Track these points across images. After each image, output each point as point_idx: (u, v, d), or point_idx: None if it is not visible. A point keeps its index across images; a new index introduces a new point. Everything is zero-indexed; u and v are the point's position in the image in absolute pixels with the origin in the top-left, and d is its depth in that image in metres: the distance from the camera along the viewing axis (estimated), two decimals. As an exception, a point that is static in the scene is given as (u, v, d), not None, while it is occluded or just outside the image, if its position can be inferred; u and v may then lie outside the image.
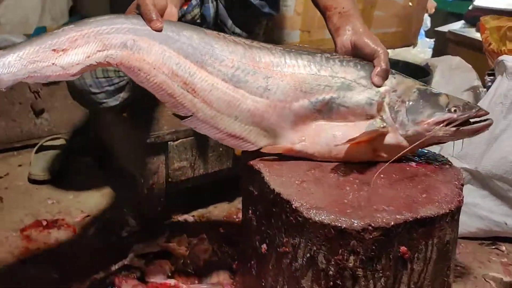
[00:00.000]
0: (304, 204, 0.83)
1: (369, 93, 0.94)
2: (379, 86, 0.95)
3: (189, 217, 1.48)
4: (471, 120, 0.93)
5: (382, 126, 0.92)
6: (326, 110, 0.94)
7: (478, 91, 1.87)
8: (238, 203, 1.56)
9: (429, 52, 2.90)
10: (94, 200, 1.58)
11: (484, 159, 1.30)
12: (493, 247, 1.42)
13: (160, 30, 0.91)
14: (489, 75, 1.48)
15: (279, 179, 0.91)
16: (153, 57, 0.91)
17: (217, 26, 1.34)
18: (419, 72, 1.95)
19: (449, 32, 2.51)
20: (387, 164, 0.91)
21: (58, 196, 1.61)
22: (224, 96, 0.94)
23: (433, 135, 0.92)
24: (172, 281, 1.14)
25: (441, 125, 0.92)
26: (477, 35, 2.33)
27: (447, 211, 0.83)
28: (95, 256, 1.31)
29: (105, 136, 1.68)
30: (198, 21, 1.42)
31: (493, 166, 1.32)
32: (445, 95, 0.96)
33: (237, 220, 1.48)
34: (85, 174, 1.73)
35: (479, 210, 1.38)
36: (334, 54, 0.99)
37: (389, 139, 0.94)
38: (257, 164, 0.96)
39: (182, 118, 0.96)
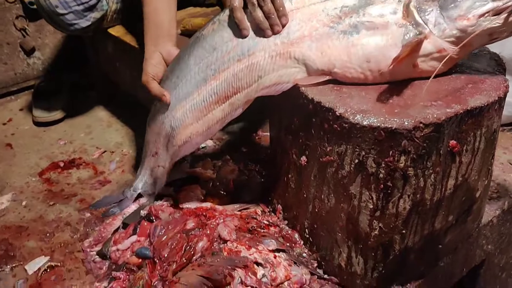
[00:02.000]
0: (349, 109, 0.79)
1: (390, 3, 0.84)
2: None
3: (208, 141, 1.45)
4: None
5: (418, 33, 0.81)
6: (351, 30, 0.85)
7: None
8: (256, 122, 1.53)
9: None
10: (108, 135, 1.54)
11: (508, 42, 1.25)
12: (516, 132, 1.43)
13: (168, 103, 1.02)
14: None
15: (315, 88, 0.87)
16: (191, 114, 1.01)
17: None
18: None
19: None
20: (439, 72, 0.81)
21: (69, 135, 1.56)
22: (245, 73, 0.93)
23: (479, 30, 0.78)
24: (207, 204, 1.13)
25: (486, 15, 0.78)
26: None
27: (496, 98, 0.81)
28: (121, 189, 1.29)
29: (109, 69, 1.59)
30: None
31: (516, 49, 1.28)
32: None
33: (257, 138, 1.45)
34: (92, 110, 1.67)
35: (501, 97, 1.36)
36: None
37: (428, 46, 0.82)
38: (287, 74, 0.91)
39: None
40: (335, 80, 0.88)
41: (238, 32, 0.92)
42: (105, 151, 1.46)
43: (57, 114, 1.60)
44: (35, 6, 1.37)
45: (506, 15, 0.77)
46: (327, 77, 0.88)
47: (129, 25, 1.44)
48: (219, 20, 0.96)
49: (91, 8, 1.27)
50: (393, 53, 0.81)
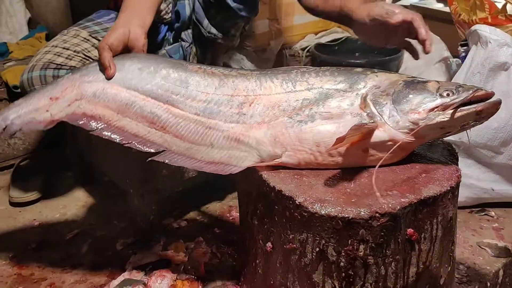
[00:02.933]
0: (308, 198, 0.82)
1: (349, 96, 0.91)
2: (429, 52, 0.98)
3: (182, 222, 1.46)
4: None
5: (370, 121, 0.87)
6: (307, 120, 0.91)
7: (449, 62, 1.90)
8: (229, 200, 1.55)
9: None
10: (83, 216, 1.54)
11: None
12: (483, 213, 1.45)
13: (111, 78, 0.97)
14: (462, 45, 1.50)
15: (277, 176, 0.90)
16: (118, 103, 0.96)
17: (193, 24, 1.32)
18: (389, 50, 1.97)
19: (411, 5, 2.53)
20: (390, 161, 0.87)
21: (44, 216, 1.55)
22: (197, 128, 0.95)
23: (429, 123, 0.84)
24: (176, 290, 1.12)
25: (435, 110, 0.85)
26: (439, 6, 2.37)
27: (448, 188, 0.84)
28: (93, 273, 1.28)
29: (86, 149, 1.63)
30: (166, 16, 1.38)
31: (477, 135, 1.34)
32: (435, 81, 0.90)
33: (231, 218, 1.47)
34: (69, 190, 1.68)
35: (467, 179, 1.40)
36: (309, 67, 0.98)
37: (380, 134, 0.87)
38: (253, 162, 0.94)
39: (153, 154, 0.96)
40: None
41: (202, 91, 0.96)
42: (78, 233, 1.46)
43: (34, 195, 1.61)
44: (19, 90, 1.41)
45: (452, 110, 0.84)
46: (278, 162, 0.92)
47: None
48: (206, 68, 0.99)
49: None
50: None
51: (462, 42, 1.50)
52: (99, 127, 0.96)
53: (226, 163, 0.93)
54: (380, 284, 0.83)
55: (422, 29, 1.00)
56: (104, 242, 1.41)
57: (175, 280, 1.19)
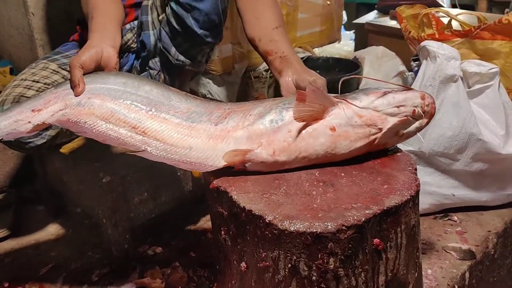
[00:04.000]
0: (277, 216, 0.85)
1: None
2: None
3: (157, 248, 1.46)
4: None
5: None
6: (278, 119, 0.98)
7: (405, 76, 2.00)
8: (203, 223, 1.57)
9: (352, 44, 3.04)
10: (56, 250, 1.52)
11: (425, 139, 1.39)
12: (446, 219, 1.51)
13: (79, 95, 1.00)
14: (414, 60, 1.58)
15: (246, 196, 0.93)
16: (104, 110, 1.00)
17: (160, 52, 1.35)
18: (350, 66, 2.05)
19: (367, 23, 2.64)
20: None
21: (15, 252, 1.53)
22: (178, 133, 0.99)
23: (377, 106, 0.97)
24: (155, 317, 1.13)
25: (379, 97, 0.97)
26: (393, 23, 2.49)
27: (409, 197, 0.89)
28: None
29: (56, 182, 1.62)
30: (133, 46, 1.41)
31: (434, 144, 1.40)
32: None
33: (206, 241, 1.48)
34: (40, 224, 1.66)
35: (429, 187, 1.46)
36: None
37: (345, 111, 0.96)
38: (222, 184, 0.97)
39: (132, 152, 0.99)
40: (265, 187, 0.95)
41: (184, 105, 1.02)
42: (52, 267, 1.44)
43: (3, 232, 1.58)
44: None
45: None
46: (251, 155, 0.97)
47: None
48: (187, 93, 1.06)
49: (47, 128, 1.30)
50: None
51: (414, 57, 1.58)
52: (83, 131, 0.99)
53: (202, 163, 0.98)
54: (352, 294, 0.87)
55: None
56: (79, 274, 1.40)
57: (153, 307, 1.19)
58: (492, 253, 1.41)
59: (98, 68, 1.07)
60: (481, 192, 1.48)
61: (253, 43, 1.30)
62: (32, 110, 1.00)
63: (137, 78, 1.06)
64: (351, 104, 0.97)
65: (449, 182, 1.47)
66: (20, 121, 1.00)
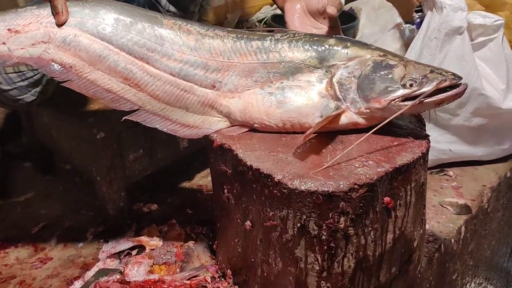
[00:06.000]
0: (287, 175, 0.83)
1: (318, 72, 0.93)
2: (334, 16, 1.01)
3: (153, 206, 1.43)
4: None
5: (336, 108, 0.90)
6: (278, 93, 0.94)
7: (402, 28, 1.94)
8: (198, 180, 1.54)
9: (345, -7, 2.95)
10: (47, 208, 1.48)
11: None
12: (442, 174, 1.51)
13: (61, 25, 0.89)
14: (417, 11, 1.52)
15: (253, 154, 0.89)
16: (91, 54, 0.91)
17: (150, 4, 1.27)
18: (345, 18, 1.98)
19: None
20: (354, 145, 0.87)
21: (5, 211, 1.49)
22: (172, 90, 0.94)
23: (386, 115, 0.87)
24: (155, 276, 1.11)
25: (396, 101, 0.86)
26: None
27: (420, 154, 0.87)
28: (65, 266, 1.24)
29: (45, 138, 1.55)
30: None
31: (435, 99, 1.38)
32: (403, 65, 0.88)
33: (202, 198, 1.46)
34: (28, 181, 1.61)
35: (427, 142, 1.45)
36: (284, 34, 0.97)
37: (344, 119, 0.91)
38: (226, 142, 0.93)
39: (127, 113, 0.94)
40: (272, 145, 0.92)
41: (177, 50, 0.93)
42: (44, 226, 1.41)
43: (-9, 189, 1.53)
44: None
45: (412, 102, 0.86)
46: (246, 129, 0.96)
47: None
48: (182, 25, 0.96)
49: (36, 84, 1.23)
50: (309, 120, 0.91)
51: (417, 9, 1.53)
52: (69, 78, 0.91)
53: (200, 127, 0.96)
54: (360, 253, 0.86)
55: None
56: (73, 233, 1.37)
57: (152, 266, 1.17)
58: (486, 207, 1.42)
59: None
60: (478, 147, 1.48)
61: None
62: (9, 30, 0.87)
63: (129, 13, 0.94)
64: (354, 114, 0.91)
65: (447, 137, 1.46)
66: None
